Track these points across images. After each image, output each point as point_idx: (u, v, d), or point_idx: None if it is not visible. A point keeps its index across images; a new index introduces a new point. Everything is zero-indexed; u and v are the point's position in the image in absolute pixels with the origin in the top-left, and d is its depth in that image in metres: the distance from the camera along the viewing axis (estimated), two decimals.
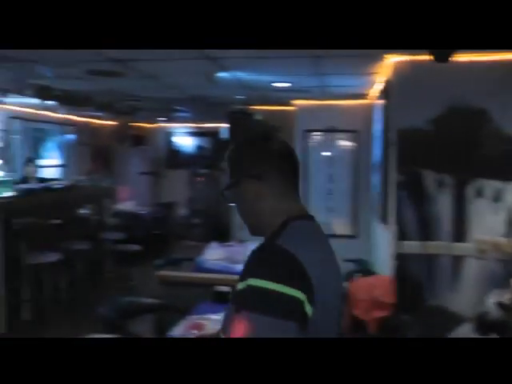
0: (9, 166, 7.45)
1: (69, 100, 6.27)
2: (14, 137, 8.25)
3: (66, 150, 9.90)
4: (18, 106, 7.83)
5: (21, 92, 6.09)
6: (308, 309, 1.24)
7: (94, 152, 10.34)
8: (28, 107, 8.01)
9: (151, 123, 11.45)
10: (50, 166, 9.30)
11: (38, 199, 6.25)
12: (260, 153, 1.46)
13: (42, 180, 7.16)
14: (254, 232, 1.49)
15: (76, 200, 7.34)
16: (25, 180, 6.77)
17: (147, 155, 11.57)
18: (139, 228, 9.43)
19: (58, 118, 9.12)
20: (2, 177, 6.20)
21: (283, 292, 1.21)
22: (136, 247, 7.54)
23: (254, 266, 1.30)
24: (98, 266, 7.58)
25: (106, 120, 10.22)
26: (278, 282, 1.21)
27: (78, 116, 9.54)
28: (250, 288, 1.24)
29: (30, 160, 7.42)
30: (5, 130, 7.96)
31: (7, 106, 7.31)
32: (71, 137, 10.05)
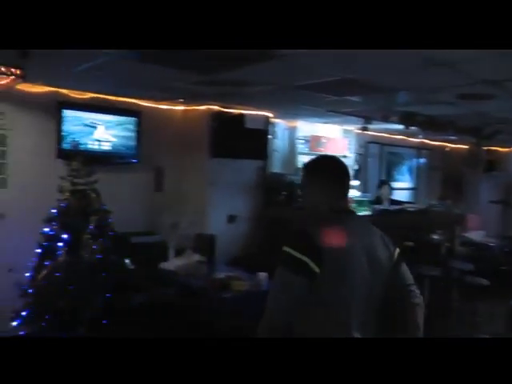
0: (364, 186, 7.85)
1: (432, 125, 6.27)
2: (370, 160, 8.71)
3: (418, 173, 10.00)
4: (376, 132, 8.19)
5: (385, 119, 6.34)
6: (314, 267, 1.96)
7: (445, 176, 10.18)
8: (385, 132, 8.33)
9: (506, 147, 10.69)
10: (402, 188, 9.51)
11: (392, 220, 6.38)
12: (312, 171, 2.31)
13: (395, 202, 7.33)
14: (308, 214, 2.32)
15: (428, 224, 7.28)
16: (378, 201, 7.04)
17: (499, 182, 10.84)
18: (487, 261, 8.85)
19: (413, 142, 9.26)
20: (359, 197, 6.55)
21: (295, 255, 1.98)
22: (484, 281, 7.05)
23: (288, 237, 2.07)
24: (445, 295, 7.35)
25: (459, 144, 9.95)
26: (293, 248, 2.00)
27: (432, 140, 9.51)
28: (282, 251, 2.02)
29: (384, 182, 7.68)
30: (362, 154, 8.46)
31: (367, 132, 7.70)
32: (423, 160, 10.10)
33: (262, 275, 4.84)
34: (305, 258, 1.96)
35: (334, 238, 2.01)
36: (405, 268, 2.29)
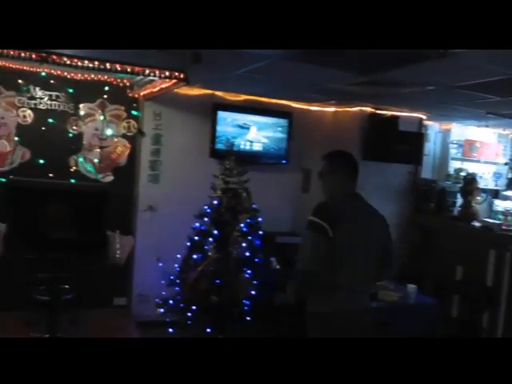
0: None
1: None
2: None
3: None
4: None
5: None
6: (330, 232, 2.68)
7: None
8: None
9: None
10: None
11: None
12: (333, 163, 3.01)
13: None
14: (328, 200, 2.95)
15: None
16: None
17: None
18: None
19: None
20: None
21: (317, 221, 2.69)
22: None
23: (313, 210, 2.75)
24: None
25: None
26: (316, 217, 2.71)
27: None
28: (308, 220, 2.73)
29: None
30: None
31: None
32: None
33: (411, 288, 4.66)
34: (324, 224, 2.70)
35: (345, 214, 2.81)
36: (391, 247, 3.09)
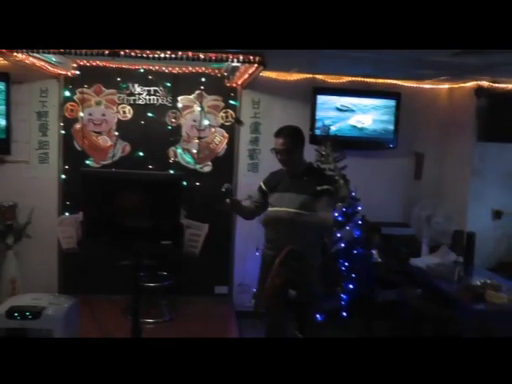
0: None
1: None
2: None
3: None
4: None
5: None
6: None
7: None
8: None
9: None
10: None
11: None
12: (297, 138, 3.56)
13: None
14: (295, 170, 3.60)
15: None
16: None
17: None
18: None
19: None
20: None
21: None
22: None
23: (325, 179, 3.73)
24: None
25: None
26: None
27: None
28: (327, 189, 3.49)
29: None
30: None
31: None
32: None
33: None
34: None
35: None
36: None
